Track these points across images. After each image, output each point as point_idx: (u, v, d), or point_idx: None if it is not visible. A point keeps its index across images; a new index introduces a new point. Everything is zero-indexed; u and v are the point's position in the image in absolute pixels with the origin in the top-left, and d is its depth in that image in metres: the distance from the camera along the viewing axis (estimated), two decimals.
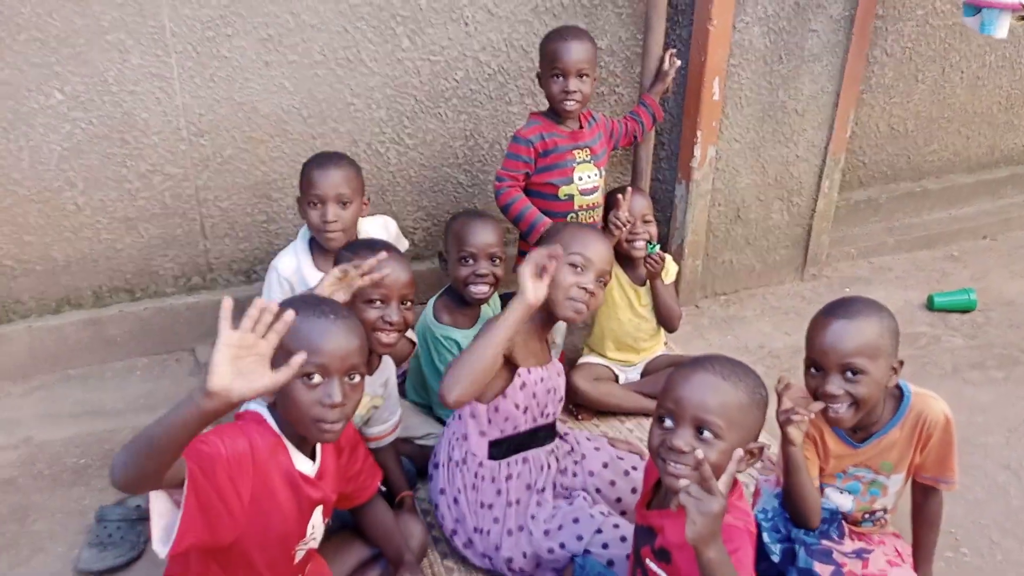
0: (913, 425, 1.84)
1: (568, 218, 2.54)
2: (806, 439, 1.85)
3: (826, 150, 3.22)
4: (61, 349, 2.74)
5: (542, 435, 2.06)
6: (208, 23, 2.51)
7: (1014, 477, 2.44)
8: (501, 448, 2.00)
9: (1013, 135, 4.07)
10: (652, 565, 1.60)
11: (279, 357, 1.28)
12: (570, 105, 2.45)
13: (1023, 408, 2.74)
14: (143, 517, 2.06)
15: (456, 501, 2.04)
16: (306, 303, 1.54)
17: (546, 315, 1.95)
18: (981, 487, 2.39)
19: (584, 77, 2.43)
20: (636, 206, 2.59)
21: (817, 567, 1.80)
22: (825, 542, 1.89)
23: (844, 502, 1.94)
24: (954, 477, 1.89)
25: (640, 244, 2.60)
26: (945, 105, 3.79)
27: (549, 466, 2.07)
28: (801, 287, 3.48)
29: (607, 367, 2.75)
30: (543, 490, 2.04)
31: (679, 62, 2.81)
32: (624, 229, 2.51)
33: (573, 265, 1.92)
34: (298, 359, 1.29)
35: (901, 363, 1.79)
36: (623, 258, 2.62)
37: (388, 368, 2.14)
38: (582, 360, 2.77)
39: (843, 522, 1.95)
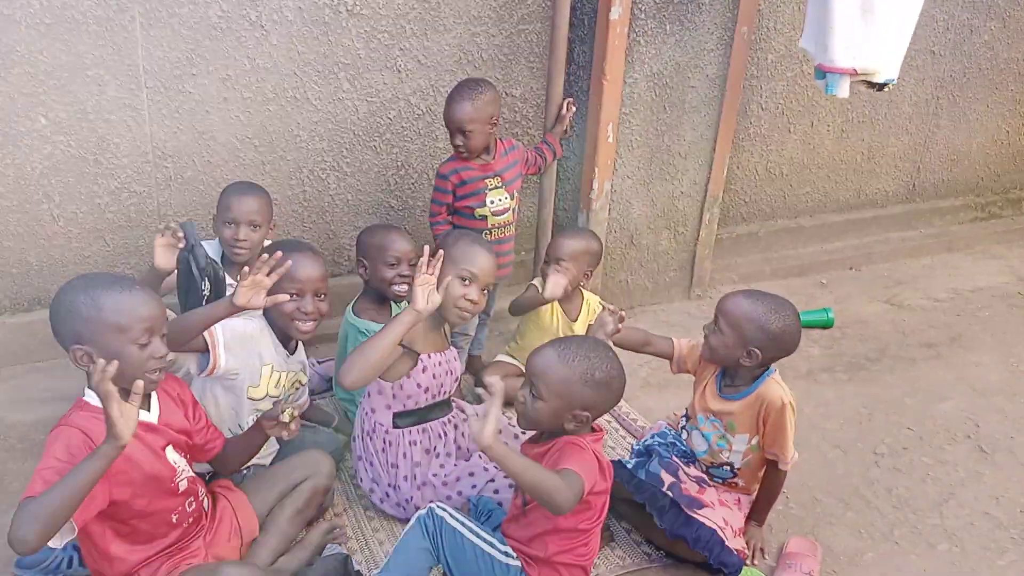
0: (754, 402, 2.30)
1: (483, 233, 2.97)
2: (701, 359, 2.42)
3: (706, 188, 3.77)
4: (31, 343, 3.07)
5: (438, 410, 2.48)
6: (176, 63, 2.94)
7: (842, 454, 2.96)
8: (404, 419, 2.41)
9: (875, 181, 4.71)
10: None
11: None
12: (464, 153, 2.92)
13: (859, 403, 3.28)
14: None
15: (372, 464, 2.44)
16: None
17: (440, 314, 2.36)
18: (815, 459, 2.90)
19: (469, 132, 2.85)
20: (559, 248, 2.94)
21: (662, 474, 2.32)
22: (676, 458, 2.41)
23: (700, 444, 2.43)
24: (786, 457, 2.31)
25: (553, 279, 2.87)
26: (815, 153, 4.40)
27: (447, 434, 2.49)
28: (688, 305, 3.99)
29: (517, 366, 3.16)
30: (440, 455, 2.45)
31: (575, 108, 3.33)
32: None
33: (462, 278, 2.34)
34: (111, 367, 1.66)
35: (759, 355, 2.22)
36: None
37: (302, 354, 2.53)
38: (496, 359, 3.18)
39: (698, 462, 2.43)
